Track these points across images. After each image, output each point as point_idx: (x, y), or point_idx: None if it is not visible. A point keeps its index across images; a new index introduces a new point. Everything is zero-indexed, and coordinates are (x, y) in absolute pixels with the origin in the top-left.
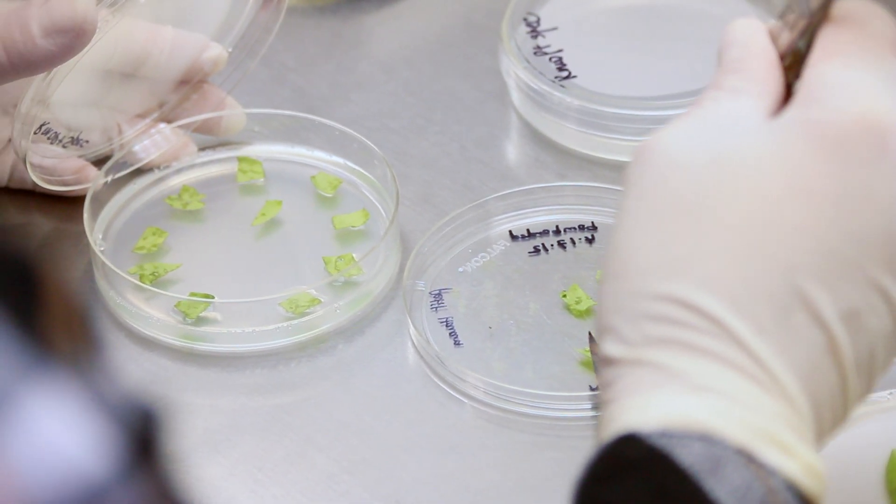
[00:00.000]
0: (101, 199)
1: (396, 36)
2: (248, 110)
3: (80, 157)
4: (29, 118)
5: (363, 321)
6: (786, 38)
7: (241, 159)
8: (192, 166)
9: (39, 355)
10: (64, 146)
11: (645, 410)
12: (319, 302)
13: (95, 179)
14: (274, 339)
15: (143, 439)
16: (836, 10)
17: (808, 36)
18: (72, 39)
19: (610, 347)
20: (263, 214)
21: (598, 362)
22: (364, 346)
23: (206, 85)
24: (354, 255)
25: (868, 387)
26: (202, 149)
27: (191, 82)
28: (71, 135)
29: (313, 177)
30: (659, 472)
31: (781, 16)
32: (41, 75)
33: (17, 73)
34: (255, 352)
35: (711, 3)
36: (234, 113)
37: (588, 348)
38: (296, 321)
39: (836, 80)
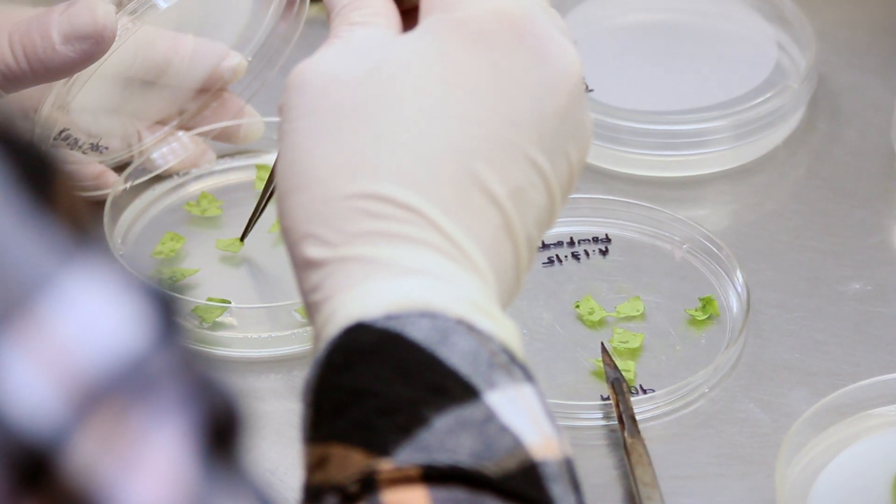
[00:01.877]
0: (120, 205)
1: None
2: (267, 119)
3: (99, 162)
4: (49, 124)
5: None
6: None
7: (259, 167)
8: (210, 173)
9: (70, 244)
10: (84, 152)
11: (365, 299)
12: None
13: (115, 185)
14: (289, 344)
15: (166, 313)
16: None
17: None
18: (92, 46)
19: (312, 251)
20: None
21: (298, 271)
22: None
23: (226, 93)
24: None
25: (532, 258)
26: (221, 156)
27: (210, 90)
28: (91, 141)
29: None
30: (394, 350)
31: None
32: (61, 81)
33: (38, 79)
34: (270, 357)
35: (725, 19)
36: (252, 121)
37: (600, 358)
38: (311, 327)
39: None
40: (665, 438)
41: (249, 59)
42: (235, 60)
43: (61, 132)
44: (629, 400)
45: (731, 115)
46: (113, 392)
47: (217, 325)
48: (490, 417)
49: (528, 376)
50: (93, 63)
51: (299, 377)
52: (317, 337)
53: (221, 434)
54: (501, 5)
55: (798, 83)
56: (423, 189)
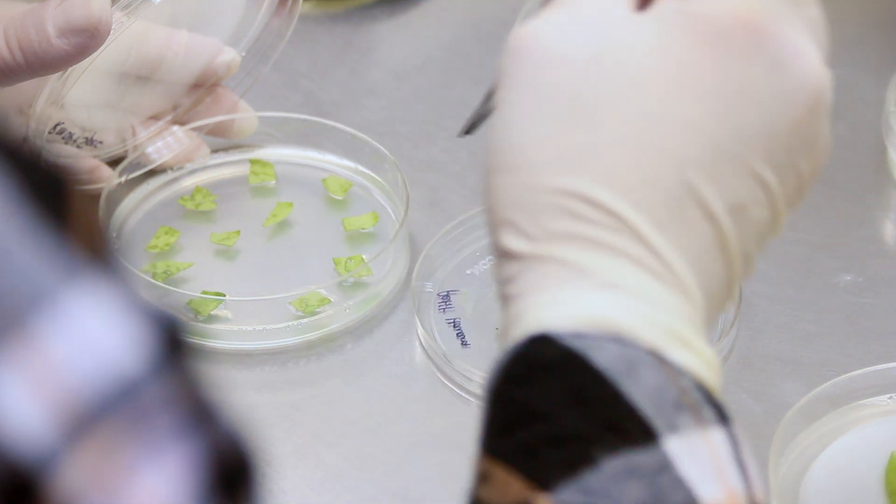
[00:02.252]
0: (115, 199)
1: (407, 43)
2: (262, 114)
3: (94, 157)
4: (44, 118)
5: (372, 321)
6: None
7: (253, 161)
8: (204, 168)
9: (74, 262)
10: (78, 146)
11: (556, 308)
12: (329, 302)
13: (109, 179)
14: (284, 337)
15: (171, 338)
16: None
17: None
18: (87, 39)
19: (511, 241)
20: (275, 216)
21: (495, 255)
22: (372, 345)
23: (220, 88)
24: (364, 257)
25: (746, 274)
26: (215, 151)
27: (204, 86)
28: (85, 135)
29: (324, 179)
30: (575, 374)
31: None
32: (56, 75)
33: (33, 73)
34: (265, 349)
35: None
36: (246, 116)
37: None
38: (305, 320)
39: None
40: None
41: (243, 54)
42: (229, 56)
43: (56, 126)
44: None
45: None
46: (106, 417)
47: (212, 318)
48: (665, 466)
49: (722, 417)
50: (88, 56)
51: (293, 369)
52: (504, 330)
53: (225, 473)
54: (743, 7)
55: None
56: (635, 196)
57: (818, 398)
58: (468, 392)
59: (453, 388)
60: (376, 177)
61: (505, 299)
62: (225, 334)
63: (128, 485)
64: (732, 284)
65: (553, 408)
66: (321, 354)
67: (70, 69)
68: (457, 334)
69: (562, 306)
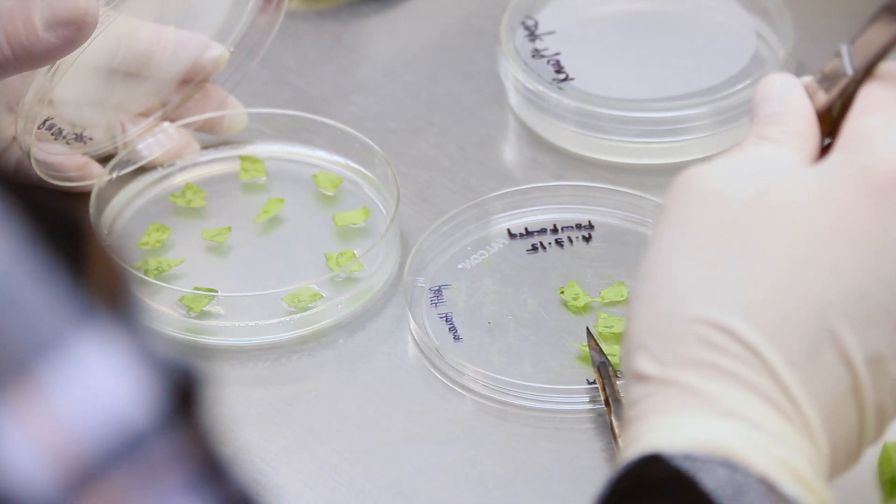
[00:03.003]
0: (105, 196)
1: (396, 39)
2: (251, 110)
3: (84, 153)
4: (32, 114)
5: (364, 316)
6: (821, 97)
7: (243, 158)
8: (195, 164)
9: (87, 309)
10: (68, 143)
11: (672, 431)
12: (321, 297)
13: (100, 176)
14: (276, 332)
15: (183, 392)
16: (877, 69)
17: (847, 96)
18: (74, 32)
19: (642, 365)
20: (265, 212)
21: (626, 380)
22: (365, 340)
23: (209, 84)
24: (356, 252)
25: (880, 432)
26: (205, 147)
27: (193, 82)
28: (75, 132)
29: (315, 175)
30: (682, 494)
31: (820, 76)
32: (44, 70)
33: (21, 66)
34: (257, 345)
35: (704, 8)
36: (235, 112)
37: (586, 343)
38: (298, 315)
39: (881, 130)
40: None
41: (231, 50)
42: (217, 51)
43: (45, 122)
44: (615, 383)
45: (710, 102)
46: (112, 472)
47: (204, 315)
48: None
49: None
50: (76, 49)
51: (286, 365)
52: (622, 450)
53: None
54: None
55: (776, 71)
56: (772, 332)
57: None
58: (461, 386)
59: (446, 381)
60: (366, 172)
61: (628, 422)
62: (217, 330)
63: None
64: (863, 439)
65: None
66: (314, 350)
67: (58, 64)
68: (449, 328)
69: (678, 429)
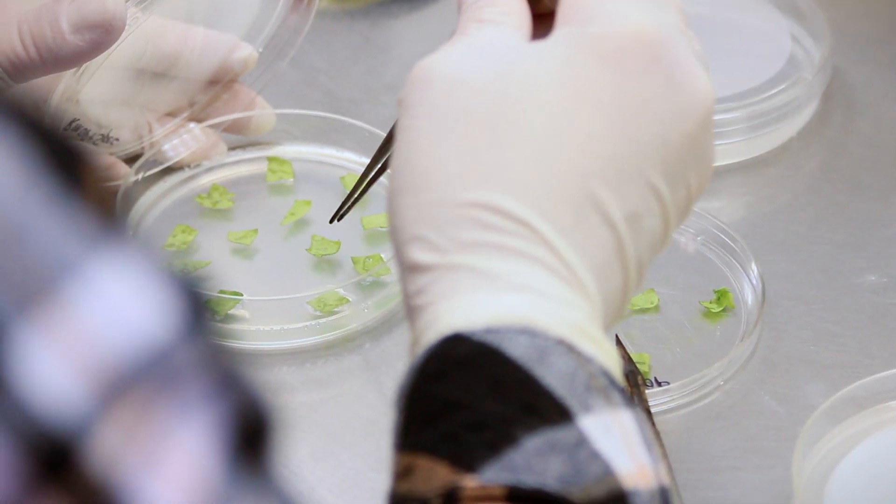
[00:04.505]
0: (131, 197)
1: (425, 40)
2: (279, 111)
3: (110, 154)
4: (59, 114)
5: (391, 321)
6: None
7: (270, 159)
8: (222, 165)
9: (100, 230)
10: (94, 143)
11: (469, 310)
12: (347, 301)
13: (126, 177)
14: (302, 337)
15: (196, 304)
16: None
17: None
18: (101, 35)
19: (420, 255)
20: (292, 214)
21: (402, 272)
22: (392, 345)
23: (237, 85)
24: (383, 256)
25: (640, 283)
26: (232, 148)
27: (221, 82)
28: (101, 132)
29: (342, 177)
30: (490, 365)
31: None
32: (71, 71)
33: (48, 69)
34: (282, 349)
35: (738, 11)
36: (264, 113)
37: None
38: (324, 320)
39: (604, 2)
40: (680, 431)
41: (260, 50)
42: (246, 52)
43: (71, 122)
44: (644, 393)
45: (744, 106)
46: (138, 383)
47: (229, 318)
48: (581, 442)
49: (629, 402)
50: (103, 52)
51: (311, 369)
52: (415, 342)
53: (248, 433)
54: (641, 26)
55: (812, 75)
56: (540, 205)
57: (843, 400)
58: None
59: None
60: None
61: (414, 311)
62: (242, 334)
63: (161, 448)
64: (628, 292)
65: (472, 397)
66: (340, 354)
67: (85, 65)
68: None
69: (472, 307)
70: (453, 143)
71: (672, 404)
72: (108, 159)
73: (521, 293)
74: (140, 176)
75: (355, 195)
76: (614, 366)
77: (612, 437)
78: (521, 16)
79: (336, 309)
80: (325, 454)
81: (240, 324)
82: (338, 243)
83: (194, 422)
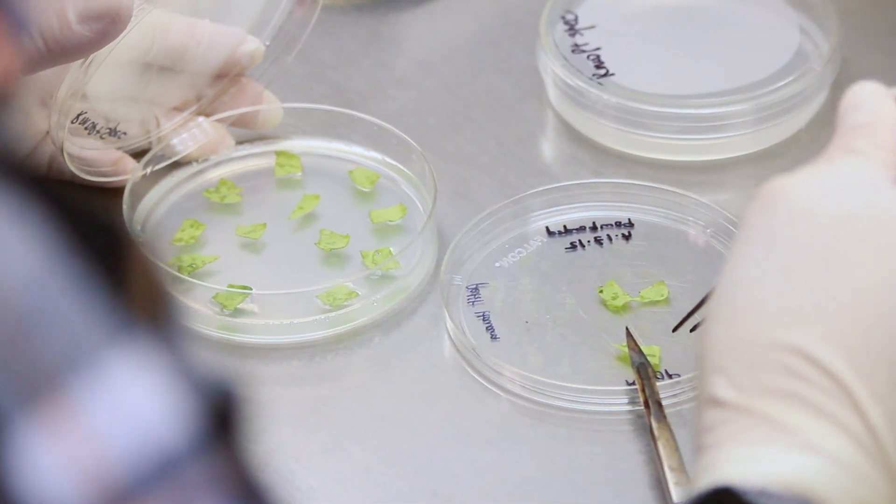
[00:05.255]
0: (139, 191)
1: (434, 33)
2: (287, 105)
3: (118, 148)
4: (65, 108)
5: (400, 314)
6: None
7: (279, 153)
8: (230, 160)
9: (124, 321)
10: (102, 137)
11: (748, 463)
12: (357, 295)
13: (134, 171)
14: (311, 331)
15: (221, 413)
16: None
17: None
18: (107, 25)
19: (720, 390)
20: (301, 208)
21: (700, 403)
22: (401, 339)
23: (244, 79)
24: (392, 249)
25: None
26: (240, 142)
27: (228, 76)
28: (109, 126)
29: (351, 171)
30: None
31: None
32: (77, 64)
33: (54, 60)
34: (292, 343)
35: (747, 3)
36: (271, 107)
37: (625, 343)
38: (333, 314)
39: None
40: (691, 423)
41: (267, 44)
42: (253, 45)
43: (78, 116)
44: (655, 385)
45: (753, 98)
46: (143, 495)
47: (238, 312)
48: None
49: None
50: (110, 43)
51: (321, 363)
52: (694, 480)
53: None
54: None
55: (821, 66)
56: (858, 362)
57: None
58: (498, 386)
59: (483, 381)
60: (404, 168)
61: (701, 448)
62: (251, 328)
63: None
64: None
65: None
66: (349, 348)
67: (91, 57)
68: (486, 328)
69: (755, 461)
70: (781, 278)
71: (682, 396)
72: (115, 154)
73: (811, 456)
74: (148, 170)
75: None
76: None
77: None
78: (891, 150)
79: (345, 303)
80: (335, 448)
81: (249, 318)
82: (347, 237)
83: None
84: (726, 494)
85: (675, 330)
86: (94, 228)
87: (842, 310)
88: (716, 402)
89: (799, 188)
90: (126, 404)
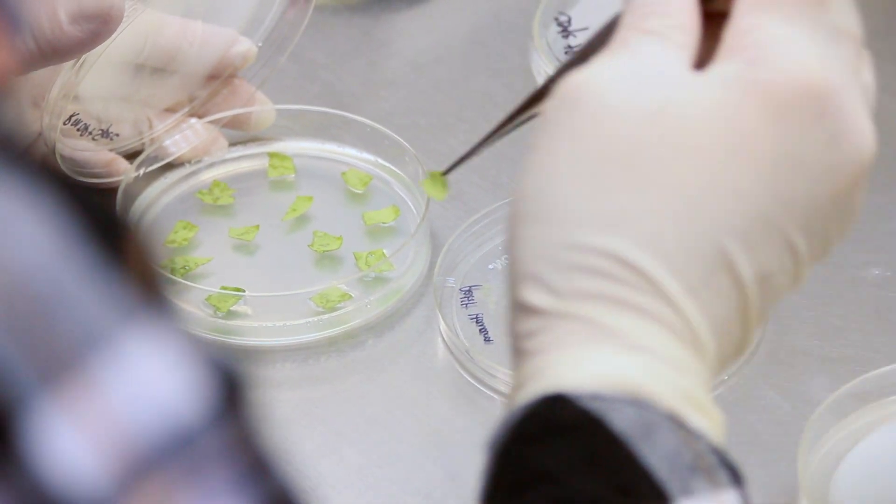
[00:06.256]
0: (132, 193)
1: (427, 34)
2: (280, 106)
3: (110, 150)
4: (58, 109)
5: (393, 317)
6: None
7: (271, 155)
8: (222, 161)
9: (133, 304)
10: (94, 139)
11: (578, 368)
12: (350, 297)
13: (126, 173)
14: (304, 333)
15: (230, 388)
16: None
17: None
18: (99, 26)
19: (535, 296)
20: (294, 210)
21: (513, 309)
22: (394, 341)
23: (236, 80)
24: (385, 251)
25: (759, 331)
26: (233, 144)
27: (221, 77)
28: (101, 127)
29: (344, 173)
30: (590, 437)
31: None
32: (69, 65)
33: (46, 60)
34: (285, 346)
35: None
36: (264, 108)
37: None
38: (326, 316)
39: (777, 37)
40: None
41: (259, 45)
42: (245, 46)
43: (71, 118)
44: None
45: None
46: (161, 467)
47: (231, 314)
48: None
49: (736, 479)
50: (101, 43)
51: (314, 366)
52: (517, 387)
53: None
54: (812, 77)
55: None
56: (672, 262)
57: (847, 395)
58: (491, 388)
59: (476, 384)
60: (396, 170)
61: (521, 354)
62: (244, 330)
63: None
64: (744, 345)
65: (564, 470)
66: (342, 351)
67: (83, 58)
68: (479, 330)
69: (584, 366)
70: (592, 181)
71: None
72: (108, 155)
73: (636, 354)
74: (140, 172)
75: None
76: (720, 431)
77: None
78: (691, 32)
79: (338, 305)
80: (329, 450)
81: (242, 320)
82: (340, 239)
83: None
84: (557, 402)
85: (445, 173)
86: (95, 214)
87: (654, 210)
88: (532, 309)
89: (599, 81)
90: (142, 380)
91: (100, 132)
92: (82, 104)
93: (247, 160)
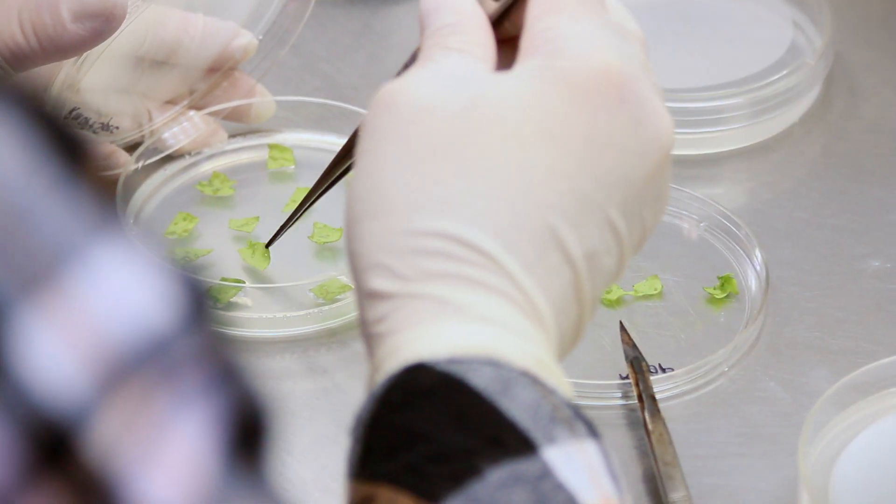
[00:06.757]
0: (132, 185)
1: None
2: (280, 98)
3: (110, 142)
4: (59, 103)
5: None
6: (490, 3)
7: (271, 146)
8: (222, 153)
9: (98, 220)
10: (94, 132)
11: (432, 340)
12: (350, 288)
13: (126, 165)
14: (304, 325)
15: (196, 297)
16: None
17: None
18: (102, 24)
19: (381, 283)
20: (294, 201)
21: (361, 299)
22: None
23: (237, 73)
24: None
25: (592, 317)
26: (233, 136)
27: (221, 70)
28: (101, 120)
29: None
30: (453, 395)
31: None
32: (71, 60)
33: (48, 58)
34: (284, 337)
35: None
36: (264, 101)
37: (620, 337)
38: (326, 307)
39: (568, 32)
40: (685, 418)
41: (260, 38)
42: (246, 39)
43: (72, 111)
44: (648, 379)
45: (747, 92)
46: (138, 371)
47: (231, 306)
48: (546, 473)
49: (593, 432)
50: (103, 41)
51: (314, 357)
52: (375, 369)
53: (246, 426)
54: (609, 63)
55: (814, 60)
56: (505, 239)
57: (847, 386)
58: None
59: None
60: None
61: (374, 339)
62: (244, 322)
63: (158, 438)
64: (581, 326)
65: (435, 428)
66: (342, 342)
67: (85, 54)
68: None
69: (436, 337)
70: (419, 173)
71: (677, 391)
72: (108, 147)
73: (485, 325)
74: (140, 164)
75: (292, 221)
76: (571, 399)
77: (577, 469)
78: (487, 46)
79: (338, 296)
80: (328, 442)
81: (242, 311)
82: (340, 230)
83: (193, 413)
84: (417, 371)
85: (268, 245)
86: (58, 134)
87: (481, 193)
88: (379, 296)
89: (412, 89)
90: (116, 289)
91: (100, 125)
92: (82, 97)
93: (247, 152)
